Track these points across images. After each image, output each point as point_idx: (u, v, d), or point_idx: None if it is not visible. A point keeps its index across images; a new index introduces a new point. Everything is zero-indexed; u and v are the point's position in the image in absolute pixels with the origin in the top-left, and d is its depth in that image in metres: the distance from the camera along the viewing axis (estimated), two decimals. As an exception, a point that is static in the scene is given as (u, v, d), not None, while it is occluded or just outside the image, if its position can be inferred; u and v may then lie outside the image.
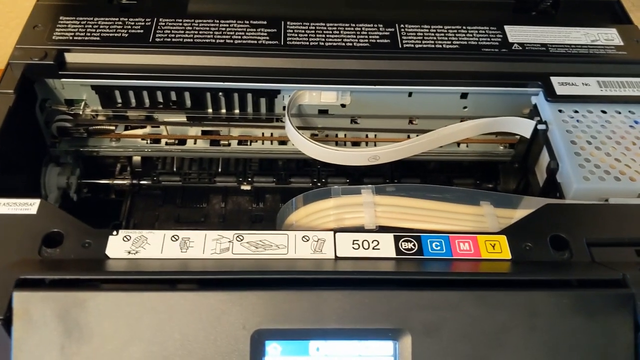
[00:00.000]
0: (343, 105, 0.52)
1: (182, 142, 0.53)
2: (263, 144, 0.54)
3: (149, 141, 0.53)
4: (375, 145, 0.54)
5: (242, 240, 0.38)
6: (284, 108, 0.52)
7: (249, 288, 0.34)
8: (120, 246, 0.37)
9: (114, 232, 0.38)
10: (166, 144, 0.53)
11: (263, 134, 0.54)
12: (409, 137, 0.53)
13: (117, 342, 0.33)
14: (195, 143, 0.53)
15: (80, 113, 0.51)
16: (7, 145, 0.45)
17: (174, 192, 0.55)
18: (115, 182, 0.55)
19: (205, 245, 0.38)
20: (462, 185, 0.56)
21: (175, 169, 0.55)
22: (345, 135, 0.54)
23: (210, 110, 0.52)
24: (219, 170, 0.55)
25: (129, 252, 0.37)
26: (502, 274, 0.36)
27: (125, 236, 0.38)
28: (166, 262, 0.37)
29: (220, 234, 0.38)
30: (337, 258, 0.38)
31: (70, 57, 0.49)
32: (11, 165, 0.46)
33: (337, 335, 0.34)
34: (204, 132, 0.54)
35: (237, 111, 0.52)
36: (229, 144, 0.54)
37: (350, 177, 0.55)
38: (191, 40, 0.50)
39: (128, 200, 0.54)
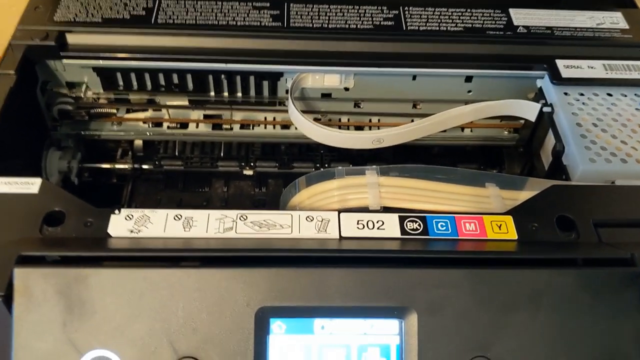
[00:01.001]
0: (346, 89, 0.52)
1: (184, 125, 0.53)
2: (265, 128, 0.54)
3: (150, 125, 0.53)
4: (378, 129, 0.53)
5: (245, 219, 0.38)
6: (286, 91, 0.51)
7: (254, 265, 0.34)
8: (123, 225, 0.37)
9: (116, 211, 0.38)
10: (168, 127, 0.53)
11: (266, 118, 0.53)
12: (412, 121, 0.53)
13: (119, 318, 0.33)
14: (197, 127, 0.53)
15: (82, 96, 0.51)
16: (8, 127, 0.44)
17: (176, 176, 0.55)
18: (116, 166, 0.54)
19: (209, 225, 0.37)
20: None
21: (177, 153, 0.55)
22: (348, 119, 0.54)
23: (212, 94, 0.52)
24: (221, 154, 0.55)
25: (131, 231, 0.37)
26: (508, 253, 0.36)
27: (127, 215, 0.37)
28: (169, 240, 0.36)
29: (223, 213, 0.38)
30: (341, 238, 0.37)
31: (72, 38, 0.48)
32: (12, 148, 0.45)
33: (342, 314, 0.34)
34: (206, 116, 0.53)
35: (239, 94, 0.52)
36: (232, 128, 0.53)
37: (353, 162, 0.55)
38: (193, 21, 0.49)
39: (130, 185, 0.54)
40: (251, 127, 0.53)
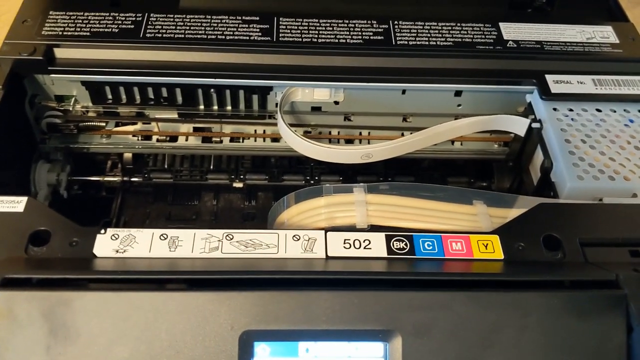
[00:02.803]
0: (336, 103, 0.51)
1: (174, 139, 0.53)
2: (255, 141, 0.53)
3: (140, 138, 0.53)
4: (369, 142, 0.54)
5: (231, 239, 0.38)
6: (276, 105, 0.51)
7: (238, 288, 0.34)
8: (108, 245, 0.37)
9: (102, 231, 0.37)
10: (157, 140, 0.53)
11: (255, 131, 0.53)
12: (402, 134, 0.53)
13: (103, 342, 0.33)
14: (186, 140, 0.53)
15: (71, 109, 0.51)
16: (-4, 140, 0.44)
17: (165, 189, 0.55)
18: (105, 179, 0.54)
19: (194, 244, 0.37)
20: (456, 183, 0.56)
21: (166, 166, 0.55)
22: (338, 132, 0.54)
23: (202, 107, 0.52)
24: (211, 167, 0.55)
25: (117, 251, 0.37)
26: (494, 275, 0.36)
27: (113, 235, 0.37)
28: (154, 261, 0.36)
29: (209, 233, 0.38)
30: (327, 257, 0.37)
31: (60, 53, 0.48)
32: (0, 161, 0.45)
33: (327, 337, 0.34)
34: (195, 129, 0.53)
35: (229, 108, 0.52)
36: (221, 141, 0.53)
37: (343, 175, 0.55)
38: (182, 36, 0.49)
39: (119, 197, 0.54)
40: (241, 140, 0.53)
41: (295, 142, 0.48)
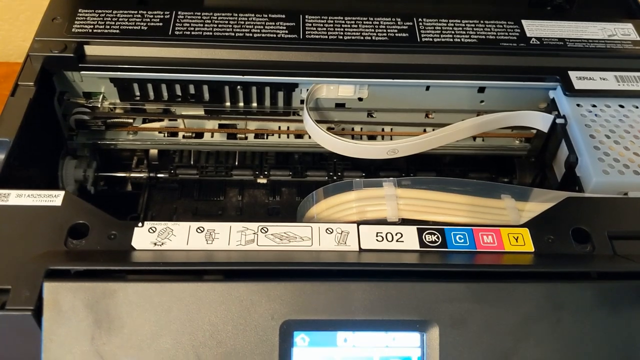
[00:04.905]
0: (360, 99, 0.52)
1: (200, 135, 0.53)
2: (279, 137, 0.54)
3: (166, 134, 0.53)
4: (391, 139, 0.54)
5: (266, 232, 0.38)
6: (301, 102, 0.52)
7: (277, 279, 0.34)
8: (146, 237, 0.38)
9: (140, 224, 0.38)
10: (183, 137, 0.53)
11: (280, 127, 0.54)
12: (425, 131, 0.53)
13: (147, 332, 0.33)
14: (212, 136, 0.53)
15: (98, 106, 0.52)
16: (27, 137, 0.45)
17: (191, 185, 0.56)
18: (132, 175, 0.55)
19: (231, 237, 0.38)
20: (477, 179, 0.56)
21: (192, 162, 0.55)
22: (361, 129, 0.55)
23: (228, 104, 0.53)
24: (236, 163, 0.55)
25: (155, 244, 0.37)
26: (528, 266, 0.36)
27: (150, 228, 0.38)
28: (192, 253, 0.37)
29: (245, 226, 0.39)
30: (361, 250, 0.38)
31: (90, 50, 0.49)
32: (30, 158, 0.46)
33: (365, 327, 0.34)
34: (221, 126, 0.54)
35: (254, 104, 0.53)
36: (246, 137, 0.54)
37: (366, 171, 0.56)
38: (210, 33, 0.50)
39: (145, 193, 0.54)
40: (265, 137, 0.54)
41: (322, 137, 0.48)
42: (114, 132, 0.53)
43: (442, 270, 0.36)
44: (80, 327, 0.33)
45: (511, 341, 0.34)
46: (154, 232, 0.38)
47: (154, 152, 0.55)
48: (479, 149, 0.55)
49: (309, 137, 0.52)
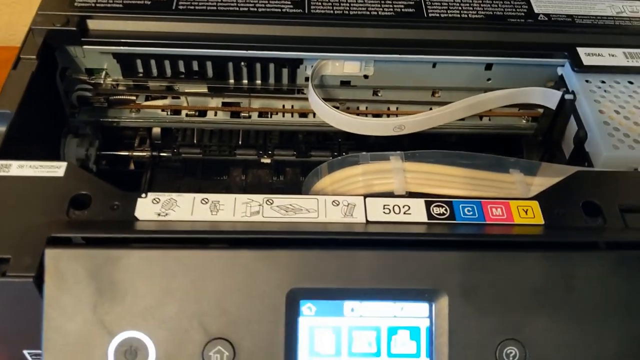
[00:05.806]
0: (366, 77, 0.51)
1: (203, 113, 0.53)
2: (284, 116, 0.53)
3: (169, 112, 0.52)
4: (397, 117, 0.53)
5: (272, 204, 0.38)
6: (305, 79, 0.51)
7: (283, 247, 0.34)
8: (150, 208, 0.37)
9: (143, 195, 0.37)
10: (187, 115, 0.53)
11: (284, 105, 0.53)
12: (431, 109, 0.53)
13: (150, 300, 0.33)
14: (215, 115, 0.53)
15: (101, 82, 0.51)
16: (29, 111, 0.44)
17: (194, 164, 0.55)
18: (134, 153, 0.54)
19: (236, 209, 0.37)
20: (484, 158, 0.56)
21: (195, 141, 0.55)
22: (366, 107, 0.54)
23: (231, 81, 0.52)
24: (239, 142, 0.55)
25: (159, 214, 0.37)
26: (539, 236, 0.36)
27: (154, 199, 0.37)
28: (197, 223, 0.36)
29: (250, 198, 0.38)
30: (368, 222, 0.37)
31: (93, 24, 0.48)
32: (32, 133, 0.45)
33: (372, 296, 0.34)
34: (224, 104, 0.53)
35: (258, 82, 0.52)
36: (250, 116, 0.53)
37: (370, 150, 0.55)
38: (214, 8, 0.49)
39: (148, 172, 0.54)
40: (269, 115, 0.53)
41: (327, 113, 0.48)
42: (116, 110, 0.52)
43: (450, 240, 0.35)
44: (82, 294, 0.32)
45: (521, 311, 0.34)
46: (158, 203, 0.37)
47: (156, 130, 0.54)
48: (485, 129, 0.54)
49: (314, 115, 0.51)
